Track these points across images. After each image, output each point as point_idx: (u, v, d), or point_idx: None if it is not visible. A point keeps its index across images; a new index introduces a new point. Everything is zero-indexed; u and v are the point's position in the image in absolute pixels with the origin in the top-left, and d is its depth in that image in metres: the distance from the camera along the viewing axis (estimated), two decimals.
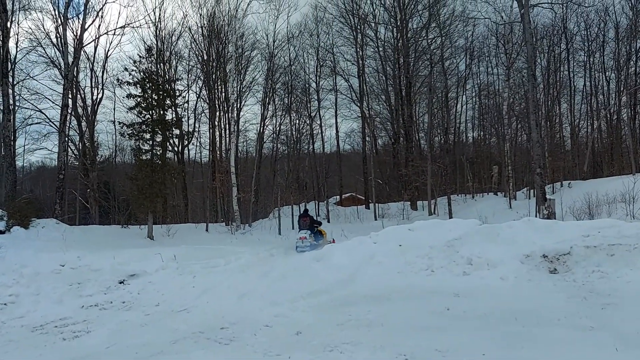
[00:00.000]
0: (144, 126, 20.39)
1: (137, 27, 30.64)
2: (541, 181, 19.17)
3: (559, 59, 32.96)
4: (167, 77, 28.30)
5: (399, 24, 32.61)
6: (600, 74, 32.98)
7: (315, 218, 17.28)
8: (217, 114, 30.04)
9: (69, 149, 29.79)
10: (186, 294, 7.70)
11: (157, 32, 30.50)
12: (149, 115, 20.44)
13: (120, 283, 8.74)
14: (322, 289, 7.48)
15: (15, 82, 24.91)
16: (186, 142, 32.26)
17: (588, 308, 5.61)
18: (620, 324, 4.94)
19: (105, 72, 30.07)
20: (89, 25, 28.04)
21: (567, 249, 7.81)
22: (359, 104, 33.83)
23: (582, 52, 32.91)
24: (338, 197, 37.18)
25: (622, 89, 30.55)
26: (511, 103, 28.50)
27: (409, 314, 5.89)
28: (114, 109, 31.47)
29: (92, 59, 29.81)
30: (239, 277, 8.61)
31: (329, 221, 27.91)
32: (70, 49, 25.30)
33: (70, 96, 26.05)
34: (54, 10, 26.54)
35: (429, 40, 32.15)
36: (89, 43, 28.92)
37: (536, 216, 18.35)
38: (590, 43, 32.33)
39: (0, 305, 7.37)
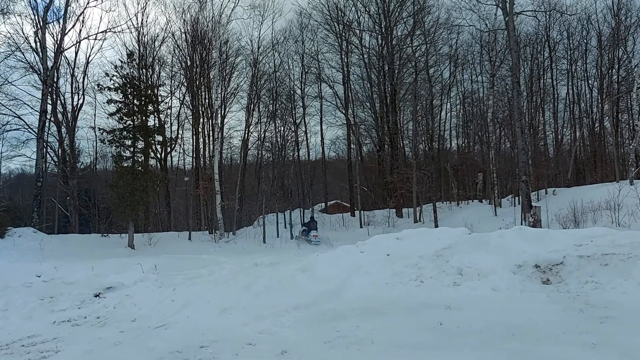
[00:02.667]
0: (125, 132, 19.94)
1: (118, 32, 30.02)
2: (526, 188, 19.14)
3: (542, 67, 33.24)
4: (150, 82, 27.81)
5: (383, 31, 32.61)
6: (583, 81, 33.34)
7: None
8: (201, 120, 29.61)
9: (49, 156, 29.10)
10: (165, 308, 7.31)
11: (140, 37, 30.03)
12: (130, 121, 19.99)
13: (96, 296, 8.31)
14: (308, 302, 7.17)
15: None
16: (169, 149, 31.73)
17: (587, 322, 5.38)
18: (623, 339, 4.71)
19: (86, 77, 29.47)
20: (69, 30, 27.51)
21: (560, 259, 7.62)
22: (344, 111, 33.69)
23: (565, 60, 33.26)
24: (323, 204, 36.90)
25: (604, 96, 30.87)
26: (495, 110, 28.60)
27: (400, 329, 5.61)
28: (95, 115, 30.73)
29: (73, 64, 29.18)
30: (221, 289, 8.25)
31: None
32: (50, 54, 24.74)
33: (49, 102, 25.44)
34: (34, 14, 25.81)
35: (413, 48, 32.21)
36: (69, 48, 28.29)
37: (522, 223, 18.29)
38: (572, 51, 32.69)
39: None
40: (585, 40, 32.26)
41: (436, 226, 21.34)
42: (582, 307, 6.06)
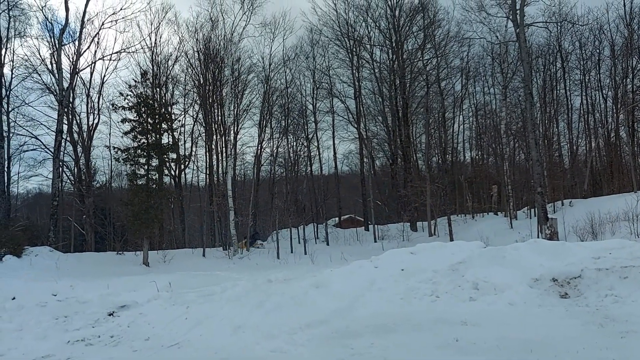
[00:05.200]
0: (139, 150, 20.17)
1: (132, 52, 30.52)
2: (542, 200, 18.89)
3: (555, 77, 33.01)
4: (163, 101, 28.19)
5: (394, 45, 32.76)
6: (597, 92, 32.97)
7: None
8: (214, 137, 29.88)
9: (65, 175, 29.51)
10: (178, 327, 7.28)
11: (153, 57, 30.54)
12: (144, 140, 20.23)
13: (110, 315, 8.31)
14: (321, 319, 7.08)
15: (10, 109, 24.70)
16: (183, 166, 32.00)
17: (606, 337, 5.24)
18: None
19: (101, 97, 30.03)
20: (85, 51, 28.11)
21: (577, 272, 7.46)
22: (356, 126, 33.77)
23: (578, 71, 32.99)
24: (337, 219, 36.79)
25: (619, 106, 30.47)
26: (508, 122, 28.41)
27: (415, 347, 5.51)
28: (110, 134, 31.20)
29: (89, 84, 29.78)
30: (234, 307, 8.19)
31: (328, 244, 27.43)
32: (66, 75, 25.24)
33: (65, 122, 25.89)
34: (50, 37, 26.48)
35: (424, 61, 32.27)
36: (84, 68, 28.92)
37: (538, 236, 18.02)
38: (585, 61, 32.42)
39: None
40: (598, 50, 32.00)
41: (451, 239, 21.11)
42: (602, 321, 5.91)
